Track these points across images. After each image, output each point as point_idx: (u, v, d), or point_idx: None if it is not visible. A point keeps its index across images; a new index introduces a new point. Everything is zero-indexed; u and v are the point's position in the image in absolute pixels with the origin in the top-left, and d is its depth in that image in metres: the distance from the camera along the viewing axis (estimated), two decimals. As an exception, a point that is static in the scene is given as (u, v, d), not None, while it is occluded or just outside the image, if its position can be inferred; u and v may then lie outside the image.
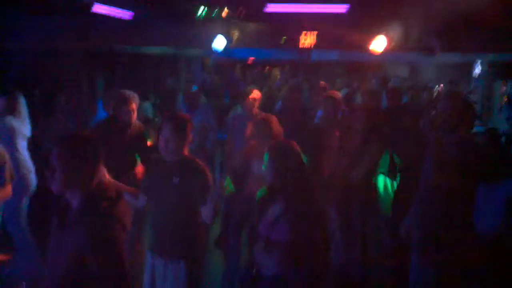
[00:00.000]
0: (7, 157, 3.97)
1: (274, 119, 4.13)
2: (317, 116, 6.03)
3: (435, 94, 10.51)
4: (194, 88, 8.83)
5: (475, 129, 4.22)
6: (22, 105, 4.81)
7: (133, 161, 4.61)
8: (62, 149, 2.31)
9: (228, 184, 4.51)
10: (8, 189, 3.97)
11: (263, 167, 2.92)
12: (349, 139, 4.68)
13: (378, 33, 8.82)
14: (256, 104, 5.30)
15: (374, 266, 4.76)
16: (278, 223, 2.74)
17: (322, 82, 7.45)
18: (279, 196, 2.81)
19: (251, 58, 13.24)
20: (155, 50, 11.14)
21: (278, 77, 13.90)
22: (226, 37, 9.61)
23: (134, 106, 4.54)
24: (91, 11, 7.76)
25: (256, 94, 5.32)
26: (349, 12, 8.55)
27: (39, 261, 4.42)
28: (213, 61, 12.64)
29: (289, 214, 2.73)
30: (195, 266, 3.34)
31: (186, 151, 3.34)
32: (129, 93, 4.60)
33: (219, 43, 9.60)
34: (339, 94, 5.40)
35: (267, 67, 14.69)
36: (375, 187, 4.84)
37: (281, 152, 2.88)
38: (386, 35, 8.77)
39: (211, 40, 9.57)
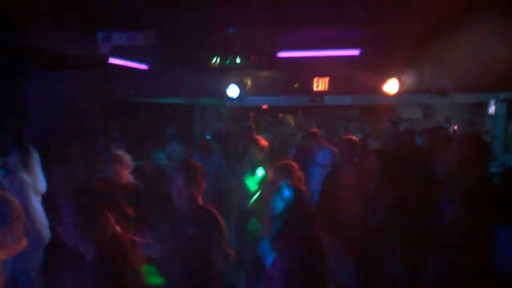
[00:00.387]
0: (22, 210, 4.01)
1: (294, 165, 4.14)
2: (317, 159, 6.13)
3: (450, 134, 10.44)
4: (208, 137, 8.92)
5: (492, 170, 4.17)
6: (36, 160, 4.90)
7: None
8: (73, 203, 2.34)
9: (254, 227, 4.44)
10: (23, 242, 3.99)
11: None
12: (365, 182, 4.65)
13: (390, 76, 8.88)
14: (264, 151, 5.54)
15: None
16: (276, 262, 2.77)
17: (313, 129, 7.49)
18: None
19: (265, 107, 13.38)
20: (170, 100, 11.33)
21: (292, 124, 13.99)
22: (239, 86, 9.75)
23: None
24: (107, 62, 7.95)
25: (264, 141, 5.57)
26: (361, 56, 8.63)
27: None
28: (226, 109, 12.79)
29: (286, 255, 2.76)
30: None
31: (199, 200, 3.33)
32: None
33: (233, 92, 9.74)
34: (356, 138, 5.43)
35: (280, 115, 14.81)
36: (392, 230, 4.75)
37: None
38: (399, 78, 8.82)
39: (225, 89, 9.72)
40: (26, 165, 4.85)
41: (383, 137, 8.11)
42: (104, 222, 2.35)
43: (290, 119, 14.48)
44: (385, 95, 8.90)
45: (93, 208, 2.34)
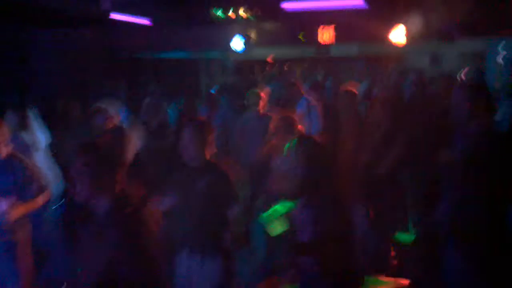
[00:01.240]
0: (38, 169, 4.08)
1: (296, 116, 4.16)
2: (297, 110, 6.16)
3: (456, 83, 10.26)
4: (213, 91, 8.88)
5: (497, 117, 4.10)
6: (33, 120, 5.01)
7: None
8: (82, 158, 2.36)
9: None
10: (38, 200, 4.04)
11: (286, 162, 2.93)
12: (370, 133, 4.65)
13: (397, 23, 8.74)
14: (262, 103, 5.67)
15: (403, 256, 4.70)
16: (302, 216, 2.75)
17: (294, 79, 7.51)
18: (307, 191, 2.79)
19: (270, 57, 13.20)
20: (175, 55, 11.25)
21: (298, 74, 13.79)
22: (243, 38, 9.65)
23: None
24: (109, 18, 7.84)
25: (263, 93, 5.75)
26: (367, 4, 8.47)
27: (72, 262, 4.49)
28: (231, 63, 12.67)
29: (314, 209, 2.73)
30: (229, 260, 3.36)
31: (207, 155, 3.34)
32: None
33: (237, 44, 9.65)
34: (355, 90, 5.39)
35: (285, 65, 14.61)
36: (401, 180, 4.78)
37: (312, 148, 2.89)
38: (405, 25, 8.68)
39: (229, 41, 9.63)
40: (24, 126, 4.95)
41: (389, 86, 8.02)
42: (113, 176, 2.38)
43: (296, 69, 14.26)
44: (390, 44, 8.78)
45: (103, 162, 2.37)
